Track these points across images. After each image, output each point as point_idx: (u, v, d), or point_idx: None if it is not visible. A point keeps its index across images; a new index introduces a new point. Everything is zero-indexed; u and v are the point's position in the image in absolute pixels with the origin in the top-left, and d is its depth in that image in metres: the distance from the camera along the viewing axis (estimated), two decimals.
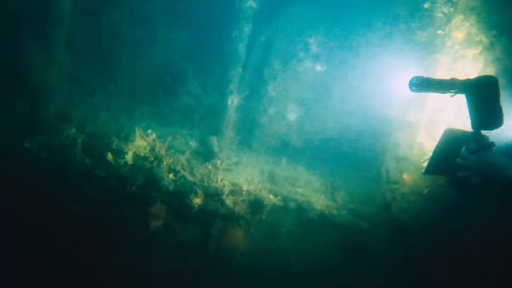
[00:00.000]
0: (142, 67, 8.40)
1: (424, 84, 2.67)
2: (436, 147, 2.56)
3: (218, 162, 6.20)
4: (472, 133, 2.45)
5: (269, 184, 6.85)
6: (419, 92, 2.73)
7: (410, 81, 2.75)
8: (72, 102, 6.32)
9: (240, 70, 7.07)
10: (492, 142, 2.44)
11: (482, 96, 2.41)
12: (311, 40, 7.95)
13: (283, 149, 8.65)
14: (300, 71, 8.14)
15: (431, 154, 2.65)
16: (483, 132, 2.49)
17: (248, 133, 8.51)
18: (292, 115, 8.41)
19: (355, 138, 7.88)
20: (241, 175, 6.70)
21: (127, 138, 5.57)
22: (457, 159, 2.42)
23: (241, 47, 6.96)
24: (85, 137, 5.60)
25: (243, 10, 6.69)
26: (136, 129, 5.78)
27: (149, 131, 5.95)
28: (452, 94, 2.58)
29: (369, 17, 7.52)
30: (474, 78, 2.49)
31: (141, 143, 5.45)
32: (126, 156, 5.38)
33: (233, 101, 7.09)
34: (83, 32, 6.69)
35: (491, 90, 2.42)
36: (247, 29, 6.87)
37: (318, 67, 7.97)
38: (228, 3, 6.88)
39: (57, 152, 5.40)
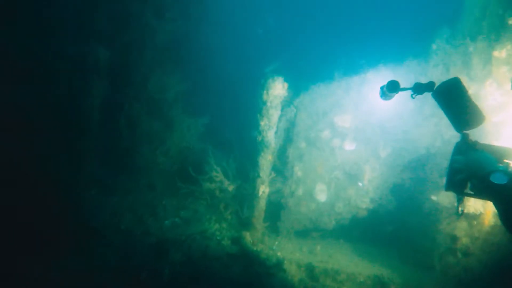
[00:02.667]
0: (161, 156, 8.00)
1: (391, 87, 2.79)
2: (450, 160, 2.51)
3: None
4: (460, 135, 2.52)
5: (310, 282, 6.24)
6: (389, 96, 2.86)
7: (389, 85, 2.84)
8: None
9: (270, 158, 6.67)
10: (475, 141, 2.48)
11: (451, 98, 2.50)
12: (337, 119, 7.70)
13: (313, 231, 8.14)
14: (327, 150, 7.81)
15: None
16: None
17: (275, 217, 8.00)
18: (321, 196, 7.96)
19: (396, 219, 7.42)
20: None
21: None
22: (453, 165, 2.44)
23: (270, 135, 6.62)
24: None
25: (270, 99, 6.43)
26: None
27: None
28: (414, 95, 2.72)
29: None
30: (440, 84, 2.58)
31: None
32: None
33: (265, 191, 6.62)
34: (105, 134, 6.34)
35: (457, 90, 2.50)
36: (275, 116, 6.57)
37: (347, 146, 7.65)
38: (256, 90, 6.65)
39: None
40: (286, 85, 6.73)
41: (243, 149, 8.12)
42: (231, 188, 7.84)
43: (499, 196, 2.01)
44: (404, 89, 2.79)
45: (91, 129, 5.50)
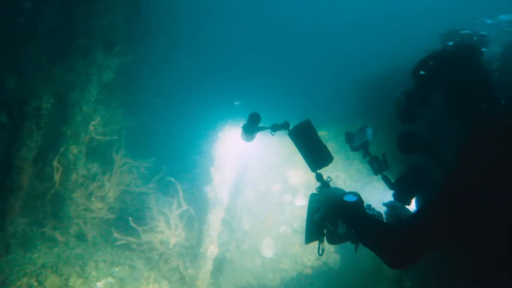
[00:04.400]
0: (96, 202, 7.19)
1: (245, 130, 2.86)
2: (307, 214, 2.63)
3: None
4: (315, 175, 2.66)
5: None
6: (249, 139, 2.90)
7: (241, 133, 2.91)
8: None
9: (221, 215, 6.30)
10: (329, 177, 2.67)
11: (305, 137, 2.67)
12: (289, 173, 7.61)
13: None
14: (276, 204, 7.65)
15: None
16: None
17: (217, 271, 7.56)
18: (268, 251, 7.70)
19: (341, 278, 7.37)
20: None
21: None
22: (312, 205, 2.58)
23: (224, 192, 6.28)
24: None
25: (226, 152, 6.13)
26: None
27: None
28: (272, 133, 2.83)
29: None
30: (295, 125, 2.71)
31: None
32: None
33: (213, 252, 6.19)
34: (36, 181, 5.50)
35: (310, 130, 2.68)
36: (230, 171, 6.27)
37: (298, 201, 7.55)
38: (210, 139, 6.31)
39: None
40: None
41: (191, 197, 7.65)
42: (173, 240, 7.27)
43: (350, 214, 2.31)
44: (263, 128, 2.89)
45: (22, 185, 4.74)
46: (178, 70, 7.73)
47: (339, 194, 2.44)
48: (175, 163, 8.08)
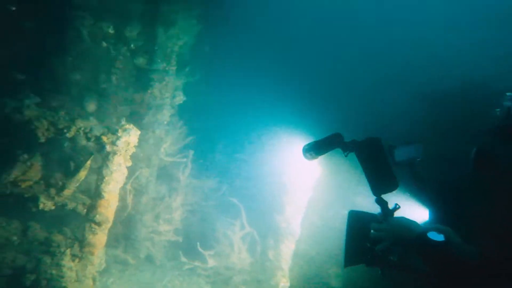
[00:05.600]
0: (164, 224, 7.16)
1: (315, 148, 2.63)
2: (346, 234, 2.41)
3: None
4: (376, 199, 2.41)
5: None
6: (314, 158, 2.66)
7: (303, 150, 2.68)
8: None
9: (293, 247, 6.11)
10: (397, 205, 2.40)
11: (374, 157, 2.43)
12: (359, 200, 7.32)
13: None
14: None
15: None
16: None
17: None
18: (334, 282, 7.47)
19: None
20: None
21: None
22: (370, 232, 2.34)
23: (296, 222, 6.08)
24: None
25: None
26: None
27: None
28: (346, 154, 2.55)
29: None
30: (361, 140, 2.48)
31: None
32: None
33: (285, 286, 6.02)
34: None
35: (377, 151, 2.43)
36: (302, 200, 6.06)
37: None
38: None
39: None
40: None
41: (254, 220, 7.51)
42: (238, 265, 7.17)
43: (435, 256, 2.03)
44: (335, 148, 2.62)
45: (108, 219, 4.74)
46: (247, 91, 7.59)
47: (413, 227, 2.20)
48: (239, 183, 7.96)
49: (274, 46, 8.20)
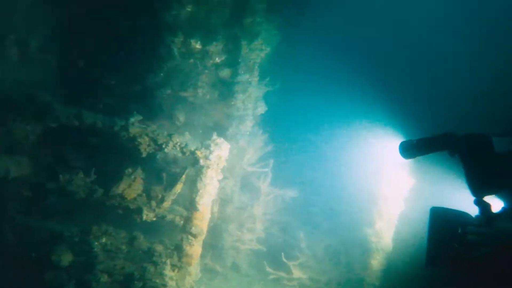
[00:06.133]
0: (248, 233, 7.26)
1: (418, 146, 2.43)
2: (429, 232, 2.27)
3: None
4: (475, 201, 2.21)
5: None
6: (412, 157, 2.49)
7: (401, 147, 2.50)
8: None
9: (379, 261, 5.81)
10: (505, 209, 2.14)
11: (478, 156, 2.22)
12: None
13: None
14: None
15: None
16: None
17: None
18: None
19: None
20: None
21: None
22: (467, 237, 2.15)
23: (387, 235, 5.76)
24: None
25: None
26: None
27: None
28: (452, 155, 2.32)
29: None
30: (463, 135, 2.29)
31: None
32: None
33: None
34: None
35: (485, 148, 2.20)
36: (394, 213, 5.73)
37: None
38: None
39: None
40: None
41: (337, 230, 7.31)
42: (323, 278, 7.02)
43: None
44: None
45: (203, 230, 4.92)
46: (328, 96, 7.45)
47: None
48: (321, 193, 7.82)
49: (359, 44, 7.91)
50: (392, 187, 6.15)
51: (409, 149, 2.53)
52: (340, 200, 7.43)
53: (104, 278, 4.72)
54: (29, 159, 4.82)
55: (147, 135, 4.99)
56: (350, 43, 7.92)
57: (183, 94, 6.48)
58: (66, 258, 4.66)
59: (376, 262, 6.05)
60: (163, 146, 5.05)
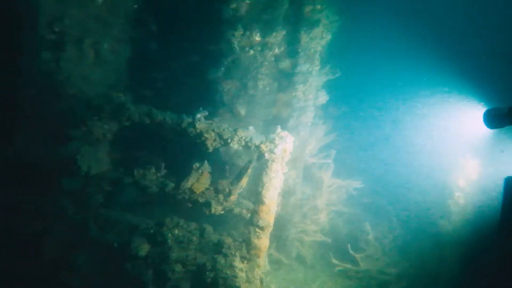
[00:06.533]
0: (312, 224, 7.21)
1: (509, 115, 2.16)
2: (503, 202, 2.13)
3: None
4: None
5: None
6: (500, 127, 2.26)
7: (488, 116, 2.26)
8: None
9: None
10: None
11: None
12: None
13: None
14: None
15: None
16: None
17: None
18: None
19: None
20: None
21: None
22: None
23: None
24: None
25: None
26: None
27: None
28: None
29: None
30: None
31: None
32: None
33: None
34: None
35: None
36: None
37: None
38: None
39: None
40: None
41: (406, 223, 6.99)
42: (392, 270, 6.78)
43: None
44: None
45: (270, 223, 4.97)
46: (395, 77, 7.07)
47: None
48: (387, 183, 7.51)
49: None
50: (467, 175, 5.71)
51: (498, 118, 2.32)
52: (411, 189, 7.08)
53: (178, 268, 4.96)
54: (107, 156, 5.15)
55: (213, 130, 5.08)
56: (422, 6, 7.31)
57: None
58: (144, 249, 4.95)
59: (451, 255, 5.69)
60: (229, 141, 5.12)
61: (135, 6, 6.08)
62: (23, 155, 4.46)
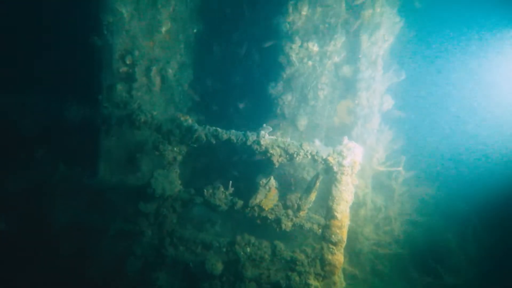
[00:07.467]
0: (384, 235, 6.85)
1: None
2: None
3: None
4: None
5: None
6: None
7: None
8: None
9: None
10: None
11: None
12: None
13: None
14: None
15: None
16: None
17: None
18: None
19: None
20: None
21: None
22: None
23: None
24: None
25: None
26: None
27: None
28: None
29: None
30: None
31: None
32: None
33: None
34: None
35: None
36: None
37: None
38: None
39: None
40: None
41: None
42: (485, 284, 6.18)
43: None
44: None
45: (343, 238, 4.79)
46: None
47: None
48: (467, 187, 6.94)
49: None
50: None
51: None
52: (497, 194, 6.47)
53: (253, 286, 4.95)
54: (178, 177, 5.33)
55: (278, 146, 5.04)
56: None
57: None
58: (218, 267, 5.02)
59: None
60: (295, 155, 5.05)
61: (195, 30, 6.31)
62: (106, 183, 4.81)
